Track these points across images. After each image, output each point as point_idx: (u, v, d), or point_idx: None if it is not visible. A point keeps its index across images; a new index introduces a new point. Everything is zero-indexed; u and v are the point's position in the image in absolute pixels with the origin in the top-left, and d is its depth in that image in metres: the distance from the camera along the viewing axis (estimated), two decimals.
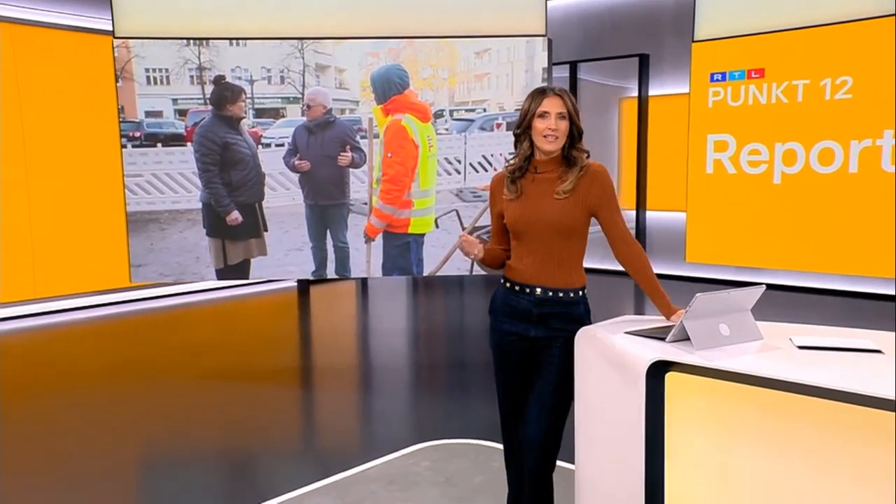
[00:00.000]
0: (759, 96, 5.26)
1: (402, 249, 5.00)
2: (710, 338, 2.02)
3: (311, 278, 5.14)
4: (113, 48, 4.75)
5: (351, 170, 4.99)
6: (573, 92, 8.88)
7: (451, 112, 4.96)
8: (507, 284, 2.36)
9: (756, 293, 2.11)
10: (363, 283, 8.39)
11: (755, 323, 2.13)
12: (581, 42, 8.86)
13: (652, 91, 8.45)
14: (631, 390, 2.00)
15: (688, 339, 2.03)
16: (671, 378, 1.98)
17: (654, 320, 2.30)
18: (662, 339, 2.08)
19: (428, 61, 4.88)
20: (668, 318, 2.25)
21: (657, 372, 1.98)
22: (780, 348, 2.02)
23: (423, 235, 4.98)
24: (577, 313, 2.30)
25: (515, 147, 2.34)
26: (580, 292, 2.32)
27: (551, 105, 2.25)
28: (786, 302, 6.90)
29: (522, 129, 2.29)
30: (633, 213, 8.57)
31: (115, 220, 6.50)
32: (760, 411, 1.88)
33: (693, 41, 5.50)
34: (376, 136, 4.96)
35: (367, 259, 5.01)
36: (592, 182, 2.27)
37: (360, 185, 4.98)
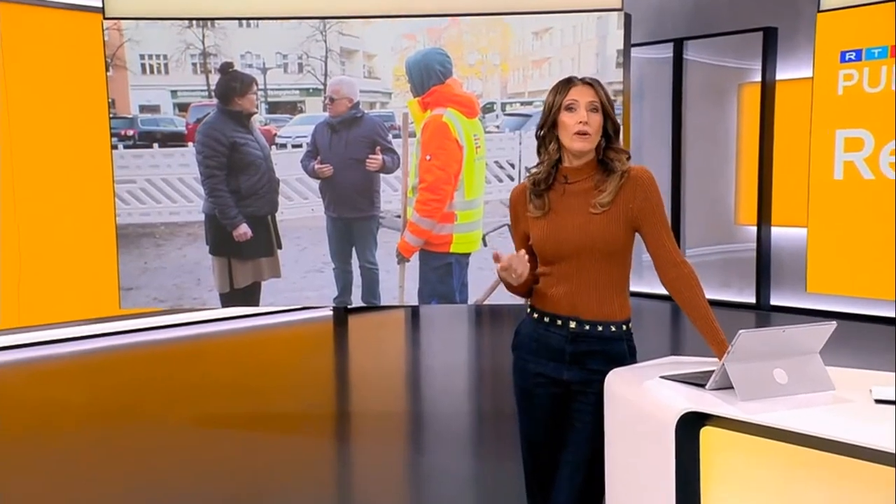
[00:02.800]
0: None
1: (442, 272, 5.14)
2: (760, 386, 2.06)
3: (334, 306, 5.32)
4: (102, 30, 5.05)
5: (382, 175, 5.18)
6: (677, 76, 8.87)
7: (503, 106, 5.07)
8: (535, 315, 2.44)
9: (824, 331, 2.12)
10: (413, 312, 8.56)
11: (825, 369, 2.15)
12: (690, 14, 8.85)
13: (781, 74, 8.35)
14: (659, 446, 2.06)
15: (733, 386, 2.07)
16: (707, 434, 2.03)
17: (706, 362, 2.36)
18: (703, 385, 2.13)
19: (475, 44, 5.02)
20: (720, 359, 2.30)
21: (691, 425, 2.04)
22: (853, 401, 2.03)
23: (467, 255, 5.10)
24: (618, 352, 2.37)
25: (539, 153, 2.43)
26: (623, 326, 2.39)
27: (580, 94, 2.33)
28: None
29: (547, 128, 2.38)
30: (754, 229, 8.45)
31: (102, 234, 6.54)
32: (816, 478, 1.90)
33: (818, 10, 5.47)
34: (412, 136, 5.13)
35: (399, 283, 5.17)
36: (635, 189, 2.34)
37: (392, 194, 5.15)
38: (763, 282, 8.38)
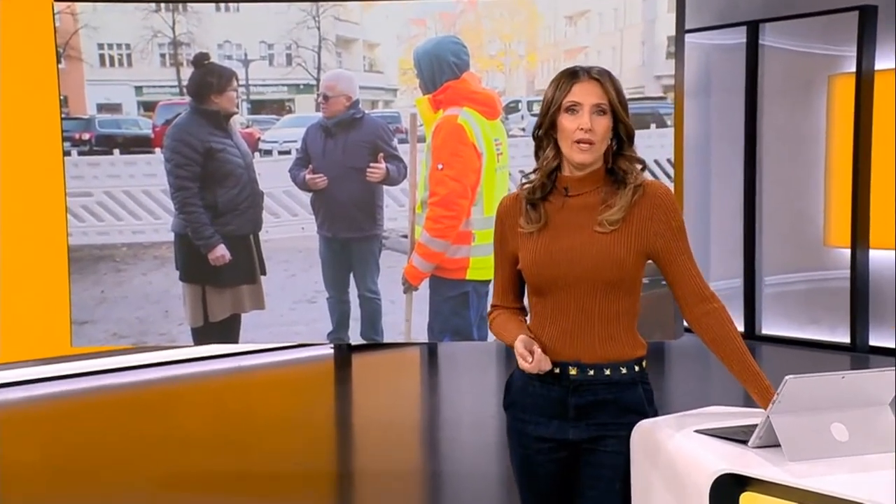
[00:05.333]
0: None
1: (456, 303, 5.17)
2: (814, 443, 2.08)
3: (328, 342, 5.37)
4: (52, 15, 5.12)
5: (385, 188, 5.23)
6: (752, 67, 8.87)
7: (530, 104, 5.12)
8: None
9: (891, 378, 2.15)
10: (430, 350, 8.58)
11: None
12: None
13: (881, 63, 8.31)
14: None
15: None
16: (748, 500, 2.06)
17: (750, 413, 2.38)
18: (745, 441, 2.16)
19: (497, 31, 5.08)
20: (766, 410, 2.32)
21: (729, 490, 2.06)
22: None
23: (486, 283, 5.09)
24: (632, 399, 2.40)
25: (536, 156, 2.45)
26: (636, 367, 2.41)
27: (584, 94, 2.33)
28: None
29: (544, 129, 2.40)
30: (848, 252, 8.40)
31: (51, 257, 6.39)
32: None
33: None
34: (422, 140, 5.18)
35: (406, 316, 5.21)
36: (653, 209, 2.36)
37: (397, 210, 5.21)
38: (859, 317, 8.31)
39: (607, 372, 2.38)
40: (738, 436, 2.19)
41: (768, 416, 2.09)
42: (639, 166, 2.40)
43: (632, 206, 2.36)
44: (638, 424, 2.33)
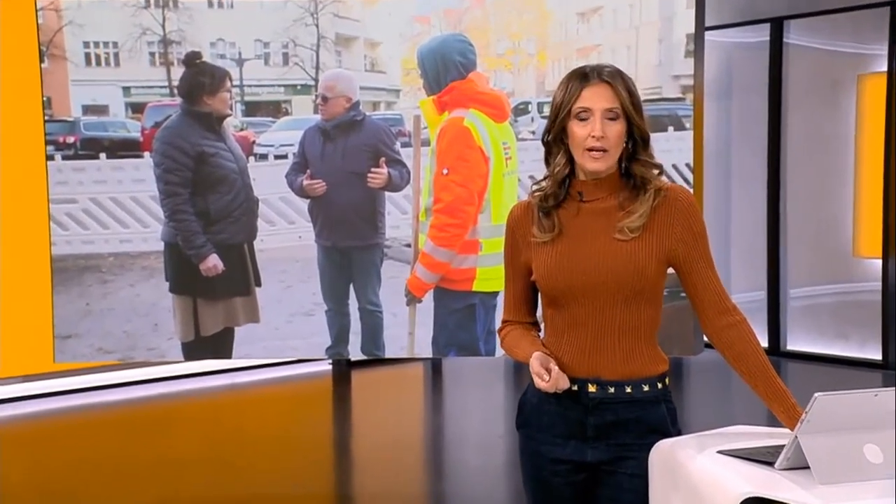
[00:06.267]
0: None
1: (462, 316, 5.16)
2: (845, 466, 2.05)
3: (326, 358, 5.35)
4: (35, 11, 5.12)
5: (387, 194, 5.23)
6: (776, 66, 8.86)
7: (540, 106, 5.13)
8: None
9: None
10: (434, 366, 8.55)
11: None
12: None
13: None
14: None
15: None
16: None
17: (777, 433, 2.36)
18: (772, 463, 2.14)
19: (505, 29, 5.08)
20: (792, 430, 2.31)
21: None
22: None
23: (495, 295, 5.11)
24: (656, 418, 2.39)
25: (547, 161, 2.44)
26: (658, 384, 2.41)
27: (595, 98, 2.32)
28: None
29: (554, 134, 2.39)
30: (879, 262, 8.37)
31: (33, 267, 6.43)
32: None
33: None
34: (426, 144, 5.18)
35: (409, 330, 5.20)
36: (673, 212, 2.36)
37: (400, 218, 5.22)
38: (891, 332, 8.27)
39: (628, 389, 2.37)
40: (763, 457, 2.17)
41: (796, 437, 2.07)
42: (654, 170, 2.39)
43: (652, 210, 2.35)
44: (657, 444, 2.31)
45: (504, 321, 2.60)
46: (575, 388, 2.37)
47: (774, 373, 2.33)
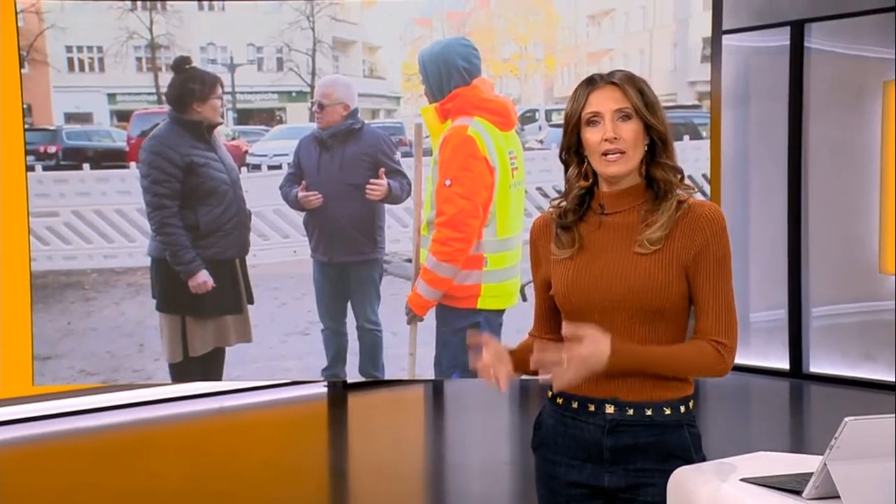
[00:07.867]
0: None
1: (466, 335, 5.12)
2: (877, 495, 2.04)
3: (322, 380, 5.33)
4: (15, 14, 5.12)
5: (387, 206, 5.23)
6: (797, 71, 8.86)
7: (549, 114, 5.12)
8: (560, 400, 2.44)
9: None
10: (435, 388, 8.54)
11: None
12: None
13: None
14: None
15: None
16: None
17: (803, 460, 2.35)
18: (799, 492, 2.12)
19: (511, 32, 5.08)
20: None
21: None
22: None
23: (500, 313, 5.11)
24: (677, 443, 2.37)
25: (566, 175, 2.44)
26: (681, 407, 2.39)
27: (603, 101, 2.32)
28: None
29: (570, 148, 2.38)
30: None
31: (11, 284, 6.32)
32: None
33: None
34: (428, 153, 5.18)
35: (410, 350, 5.19)
36: (695, 230, 2.34)
37: (400, 232, 5.22)
38: None
39: (649, 412, 2.36)
40: (790, 485, 2.15)
41: (825, 464, 2.05)
42: (674, 174, 2.38)
43: (675, 222, 2.34)
44: (676, 471, 2.29)
45: (529, 334, 2.60)
46: (592, 406, 2.37)
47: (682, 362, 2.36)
